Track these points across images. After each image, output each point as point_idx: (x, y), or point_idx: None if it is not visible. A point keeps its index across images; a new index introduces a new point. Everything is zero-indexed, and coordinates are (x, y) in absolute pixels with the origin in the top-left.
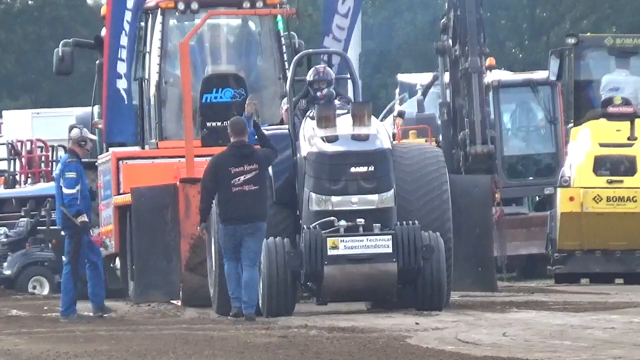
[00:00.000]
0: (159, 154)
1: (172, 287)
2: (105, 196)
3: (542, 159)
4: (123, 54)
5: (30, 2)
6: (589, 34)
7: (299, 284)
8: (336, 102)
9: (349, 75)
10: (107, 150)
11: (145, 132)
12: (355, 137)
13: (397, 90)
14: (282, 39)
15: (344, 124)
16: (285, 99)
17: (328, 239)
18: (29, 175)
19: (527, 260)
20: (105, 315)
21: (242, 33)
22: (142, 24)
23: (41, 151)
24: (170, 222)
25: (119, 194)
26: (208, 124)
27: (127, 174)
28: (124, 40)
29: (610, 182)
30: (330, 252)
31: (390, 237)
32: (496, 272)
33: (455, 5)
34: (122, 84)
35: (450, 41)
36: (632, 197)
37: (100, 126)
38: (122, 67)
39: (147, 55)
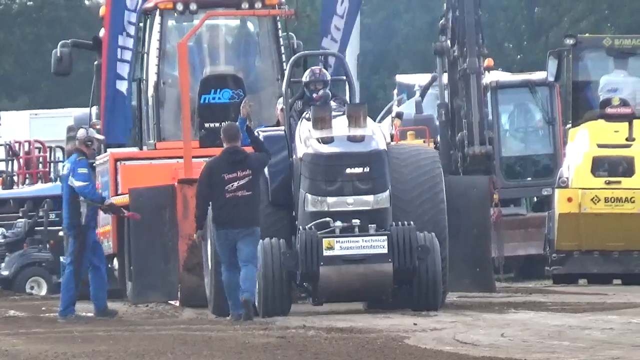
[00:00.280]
0: (157, 155)
1: (170, 288)
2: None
3: (540, 160)
4: (122, 54)
5: (29, 2)
6: (587, 34)
7: (294, 284)
8: (332, 103)
9: (345, 77)
10: (105, 151)
11: (143, 133)
12: (351, 139)
13: (396, 91)
14: (281, 39)
15: (340, 126)
16: (280, 100)
17: (324, 239)
18: (27, 176)
19: (525, 261)
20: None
21: (240, 34)
22: (141, 24)
23: (39, 152)
24: (168, 222)
25: (117, 194)
26: (206, 125)
27: (125, 175)
28: (122, 41)
29: (609, 183)
30: (325, 253)
31: (385, 237)
32: (494, 272)
33: (454, 6)
34: (121, 84)
35: (448, 42)
36: (630, 198)
37: (98, 127)
38: (121, 68)
39: (145, 56)
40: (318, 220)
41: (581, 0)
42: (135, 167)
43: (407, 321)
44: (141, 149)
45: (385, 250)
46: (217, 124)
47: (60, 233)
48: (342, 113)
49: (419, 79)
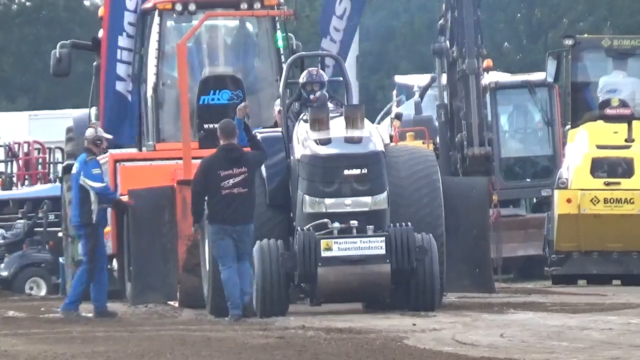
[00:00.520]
0: (157, 156)
1: (170, 289)
2: None
3: (539, 161)
4: (121, 55)
5: (27, 3)
6: (586, 35)
7: (292, 285)
8: (329, 104)
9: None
10: (105, 152)
11: (143, 134)
12: (349, 140)
13: (395, 92)
14: (279, 40)
15: (337, 127)
16: (278, 101)
17: (322, 240)
18: (26, 177)
19: (525, 262)
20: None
21: (239, 34)
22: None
23: (38, 153)
24: (168, 223)
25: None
26: (205, 126)
27: (125, 176)
28: (122, 42)
29: (608, 184)
30: (324, 254)
31: (383, 238)
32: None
33: (453, 7)
34: (120, 85)
35: (447, 43)
36: (629, 199)
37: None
38: (120, 69)
39: (145, 56)
40: (316, 222)
41: (580, 1)
42: (135, 168)
43: (406, 321)
44: (140, 150)
45: (383, 251)
46: (216, 125)
47: (60, 234)
48: (339, 114)
49: (418, 80)
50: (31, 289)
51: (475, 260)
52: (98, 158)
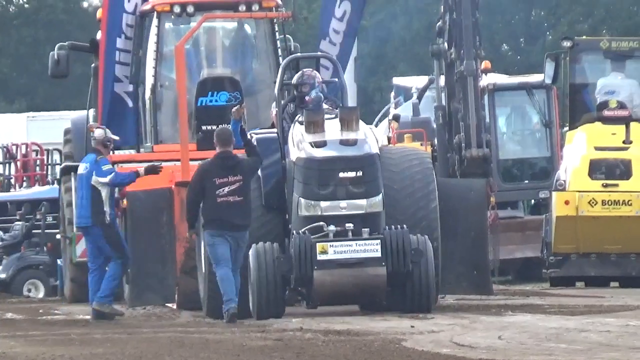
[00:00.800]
0: (155, 158)
1: (168, 291)
2: None
3: (537, 163)
4: (120, 57)
5: (26, 5)
6: (584, 37)
7: (289, 288)
8: (324, 105)
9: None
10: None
11: (141, 135)
12: (344, 142)
13: (393, 94)
14: (278, 42)
15: (332, 129)
16: (275, 103)
17: (317, 244)
18: (24, 178)
19: (523, 264)
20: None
21: (237, 36)
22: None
23: (36, 155)
24: (166, 225)
25: None
26: (203, 128)
27: None
28: (120, 44)
29: (606, 185)
30: (319, 257)
31: (379, 241)
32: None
33: (451, 8)
34: (118, 87)
35: (445, 44)
36: (627, 201)
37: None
38: (119, 71)
39: (143, 58)
40: (312, 225)
41: (578, 3)
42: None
43: (404, 323)
44: (138, 151)
45: (379, 254)
46: (214, 127)
47: (58, 236)
48: (334, 116)
49: (416, 82)
50: (29, 290)
51: (473, 262)
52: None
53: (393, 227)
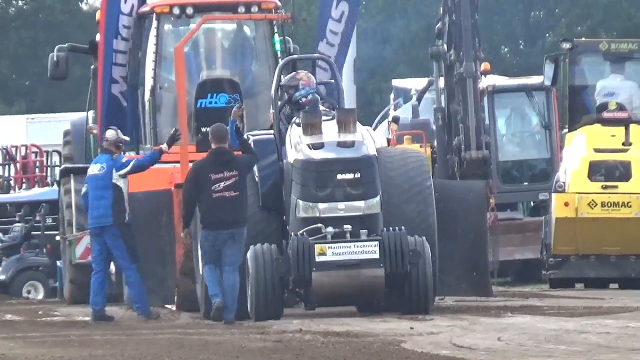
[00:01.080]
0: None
1: (167, 292)
2: None
3: (536, 165)
4: (117, 58)
5: (25, 6)
6: (583, 39)
7: (287, 289)
8: (321, 107)
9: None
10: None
11: (140, 137)
12: (341, 144)
13: (392, 96)
14: (277, 43)
15: (330, 131)
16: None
17: (316, 245)
18: (24, 180)
19: (522, 265)
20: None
21: (237, 38)
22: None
23: (36, 156)
24: (165, 227)
25: None
26: (203, 129)
27: None
28: (116, 45)
29: (605, 187)
30: (318, 259)
31: (377, 243)
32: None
33: (451, 10)
34: (117, 88)
35: (445, 46)
36: (627, 203)
37: (94, 131)
38: (116, 72)
39: (142, 60)
40: (310, 227)
41: (577, 5)
42: None
43: (403, 325)
44: (138, 153)
45: (377, 256)
46: None
47: (57, 237)
48: (331, 118)
49: (416, 83)
50: (29, 292)
51: (473, 263)
52: None
53: (391, 228)
